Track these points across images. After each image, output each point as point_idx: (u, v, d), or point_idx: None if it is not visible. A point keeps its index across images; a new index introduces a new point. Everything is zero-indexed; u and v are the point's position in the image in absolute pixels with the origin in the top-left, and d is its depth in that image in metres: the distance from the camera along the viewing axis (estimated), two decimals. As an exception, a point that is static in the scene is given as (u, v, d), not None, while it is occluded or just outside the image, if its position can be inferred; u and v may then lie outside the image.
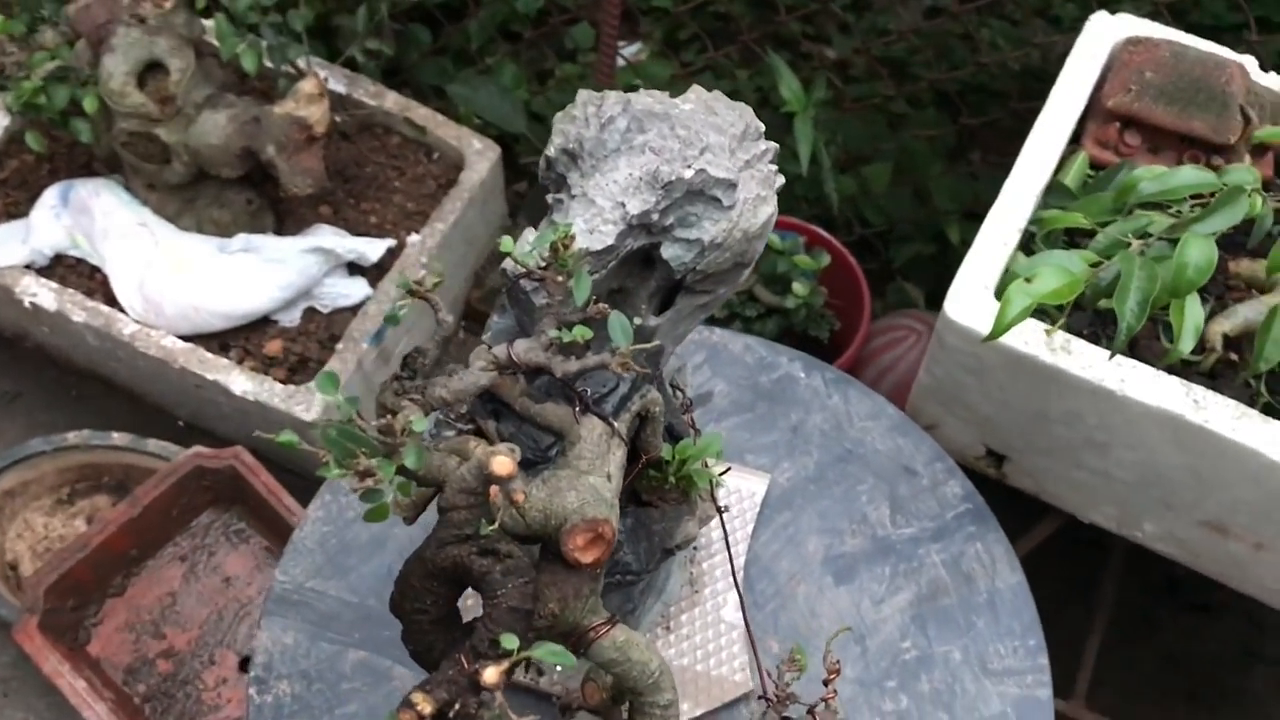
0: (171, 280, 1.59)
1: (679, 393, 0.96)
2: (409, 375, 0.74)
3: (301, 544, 1.10)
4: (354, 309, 1.66)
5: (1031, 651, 1.04)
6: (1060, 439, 1.22)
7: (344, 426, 0.63)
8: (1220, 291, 1.20)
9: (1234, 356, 1.16)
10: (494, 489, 0.66)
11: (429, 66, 2.02)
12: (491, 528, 0.66)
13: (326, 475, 0.63)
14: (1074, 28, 1.40)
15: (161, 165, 1.59)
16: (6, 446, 1.73)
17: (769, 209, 0.79)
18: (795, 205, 1.85)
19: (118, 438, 1.66)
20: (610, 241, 0.75)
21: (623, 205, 0.75)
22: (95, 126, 1.57)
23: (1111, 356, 1.07)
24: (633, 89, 0.81)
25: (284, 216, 1.73)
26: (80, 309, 1.62)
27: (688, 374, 0.99)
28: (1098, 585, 1.54)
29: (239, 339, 1.64)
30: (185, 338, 1.61)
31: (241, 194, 1.67)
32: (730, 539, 1.01)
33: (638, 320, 0.77)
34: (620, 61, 1.87)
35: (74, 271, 1.67)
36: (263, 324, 1.65)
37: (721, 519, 0.98)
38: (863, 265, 1.74)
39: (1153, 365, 1.13)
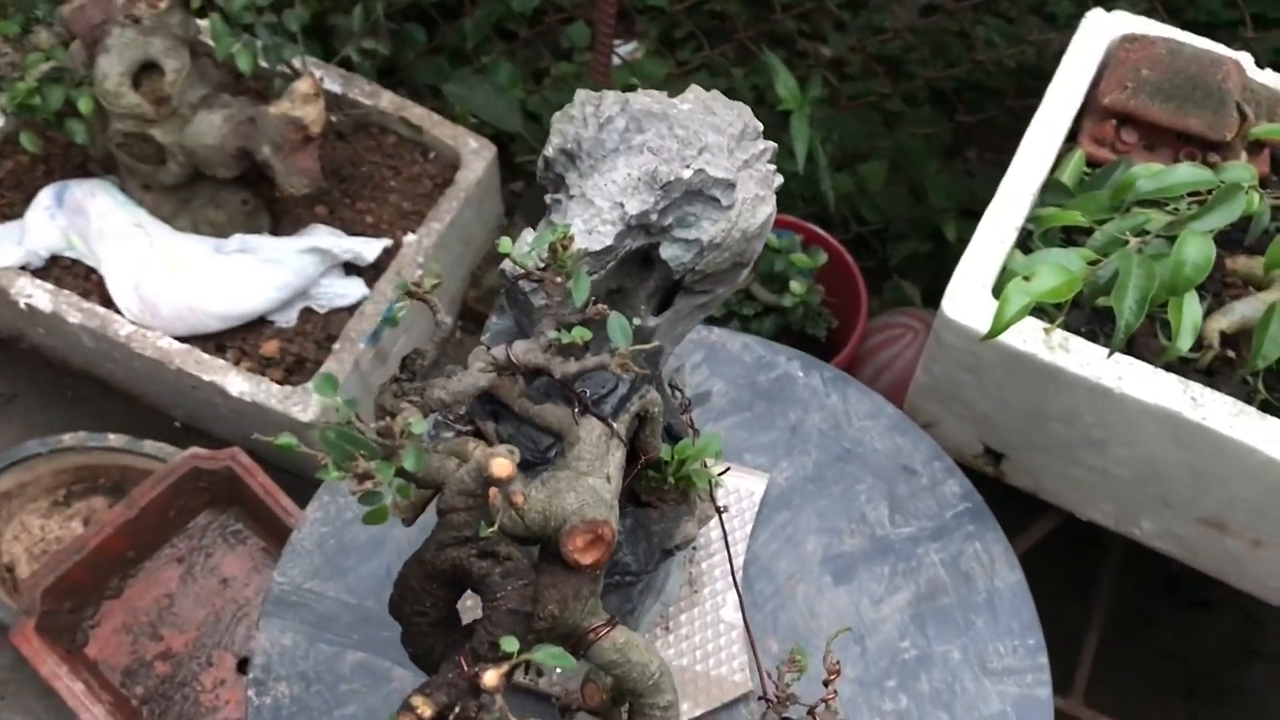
0: (167, 281, 1.59)
1: (677, 392, 0.96)
2: (408, 377, 0.74)
3: (300, 545, 1.09)
4: (350, 309, 1.66)
5: (1031, 650, 1.04)
6: (1058, 437, 1.22)
7: (343, 429, 0.63)
8: (1218, 289, 1.20)
9: (1231, 354, 1.16)
10: (493, 491, 0.65)
11: (424, 66, 2.01)
12: (491, 529, 0.65)
13: (326, 478, 0.62)
14: (1070, 25, 1.40)
15: (157, 166, 1.58)
16: (2, 449, 1.72)
17: (768, 209, 0.79)
18: (792, 203, 1.85)
19: (114, 439, 1.65)
20: (609, 242, 0.74)
21: (621, 205, 0.75)
22: (90, 127, 1.57)
23: (1110, 354, 1.07)
24: (629, 88, 0.81)
25: (280, 217, 1.73)
26: (76, 310, 1.62)
27: (686, 373, 0.99)
28: (1096, 582, 1.54)
29: (235, 340, 1.63)
30: (181, 338, 1.60)
31: (237, 194, 1.66)
32: (729, 539, 1.01)
33: (636, 321, 0.77)
34: (616, 60, 1.86)
35: (69, 272, 1.67)
36: (259, 324, 1.65)
37: (720, 519, 0.98)
38: (859, 263, 1.74)
39: (1151, 363, 1.13)
